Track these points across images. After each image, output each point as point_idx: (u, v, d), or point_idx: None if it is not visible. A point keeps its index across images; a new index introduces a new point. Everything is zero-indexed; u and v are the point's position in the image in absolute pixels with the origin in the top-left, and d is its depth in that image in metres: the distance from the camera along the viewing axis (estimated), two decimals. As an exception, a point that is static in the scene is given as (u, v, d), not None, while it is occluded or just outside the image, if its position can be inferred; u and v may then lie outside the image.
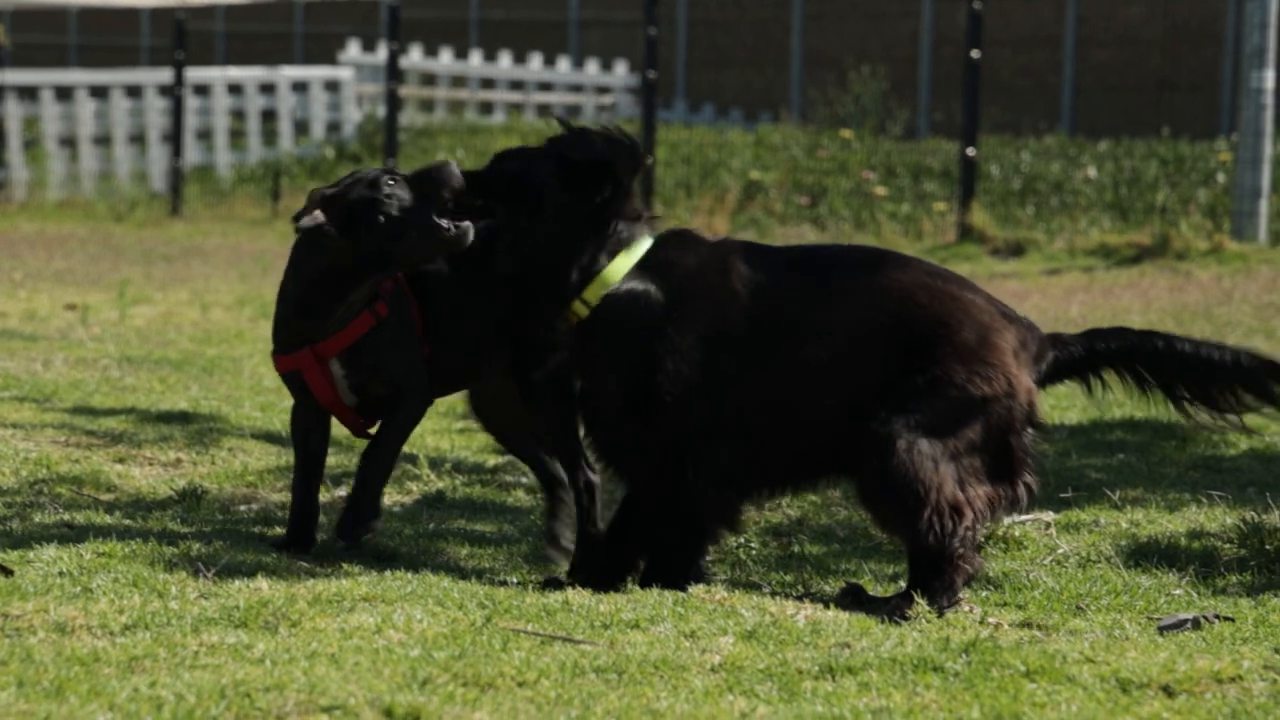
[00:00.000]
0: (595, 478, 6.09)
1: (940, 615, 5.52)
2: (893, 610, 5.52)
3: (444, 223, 5.75)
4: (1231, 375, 5.92)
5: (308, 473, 6.00)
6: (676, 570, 5.68)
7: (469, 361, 6.11)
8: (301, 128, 27.56)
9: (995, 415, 5.66)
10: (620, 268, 5.69)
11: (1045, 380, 5.87)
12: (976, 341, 5.68)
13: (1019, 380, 5.73)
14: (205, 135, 26.92)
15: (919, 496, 5.55)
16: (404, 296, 5.97)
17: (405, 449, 7.86)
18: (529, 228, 5.70)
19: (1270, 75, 17.32)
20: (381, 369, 5.88)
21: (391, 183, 5.81)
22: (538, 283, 5.73)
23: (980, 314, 5.75)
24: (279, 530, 6.28)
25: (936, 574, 5.58)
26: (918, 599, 5.52)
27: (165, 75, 26.55)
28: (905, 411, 5.60)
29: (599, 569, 5.83)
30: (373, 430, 6.06)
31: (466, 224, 5.74)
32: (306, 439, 6.01)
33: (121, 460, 7.49)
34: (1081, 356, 5.88)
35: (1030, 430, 5.77)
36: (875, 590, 5.94)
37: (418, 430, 7.92)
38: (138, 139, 26.80)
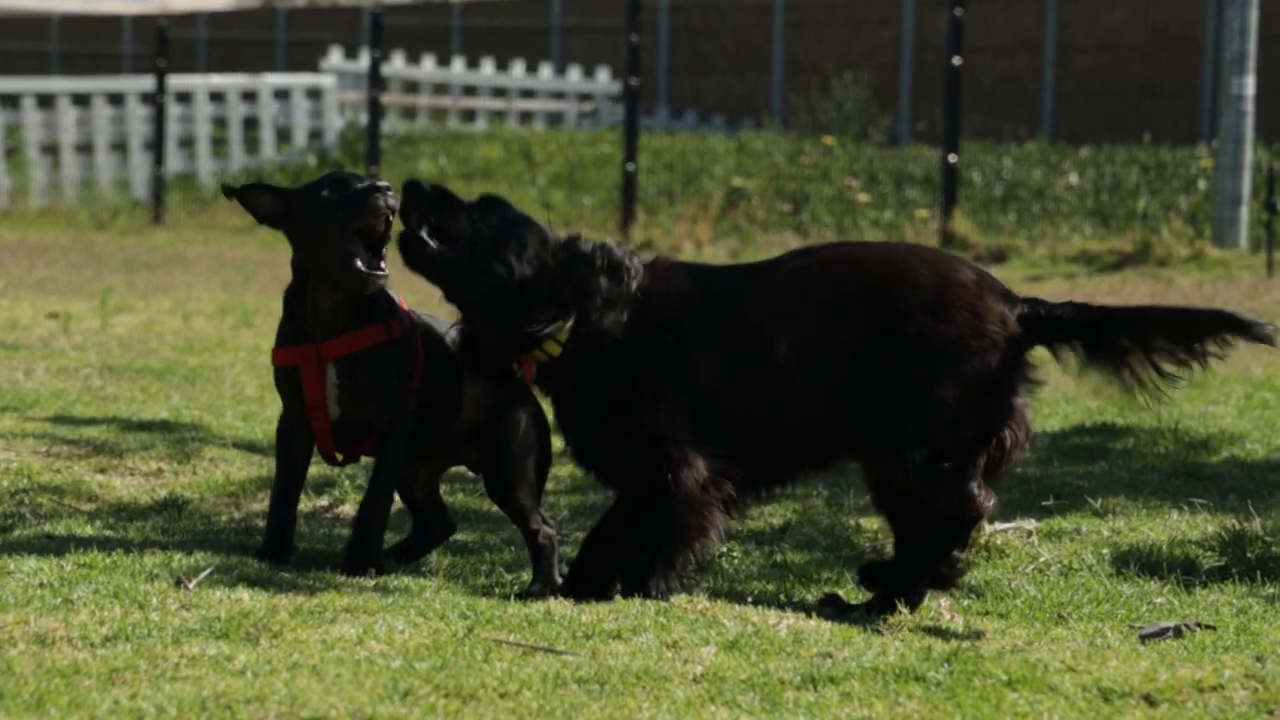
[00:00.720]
0: (552, 530, 6.11)
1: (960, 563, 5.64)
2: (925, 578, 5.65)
3: (358, 262, 5.73)
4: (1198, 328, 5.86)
5: (288, 485, 5.97)
6: (656, 575, 5.67)
7: (448, 424, 6.08)
8: (284, 135, 27.55)
9: (969, 353, 5.61)
10: None
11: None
12: (934, 282, 5.65)
13: (987, 307, 5.64)
14: (187, 143, 26.90)
15: (908, 455, 5.58)
16: (415, 334, 5.96)
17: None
18: (501, 288, 5.68)
19: (1251, 81, 17.37)
20: (371, 386, 5.85)
21: (325, 194, 5.80)
22: (501, 334, 5.72)
23: (931, 256, 5.74)
24: (261, 540, 6.26)
25: (948, 523, 5.62)
26: (957, 558, 5.63)
27: (147, 83, 26.54)
28: (878, 378, 5.60)
29: (578, 577, 5.82)
30: (340, 456, 6.03)
31: (384, 271, 5.74)
32: (291, 450, 5.96)
33: (103, 470, 7.47)
34: (1045, 318, 5.72)
35: (1017, 362, 5.67)
36: (856, 599, 5.94)
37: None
38: (120, 147, 26.78)
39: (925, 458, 5.58)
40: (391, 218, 5.78)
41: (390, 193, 5.77)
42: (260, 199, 5.89)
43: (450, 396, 5.98)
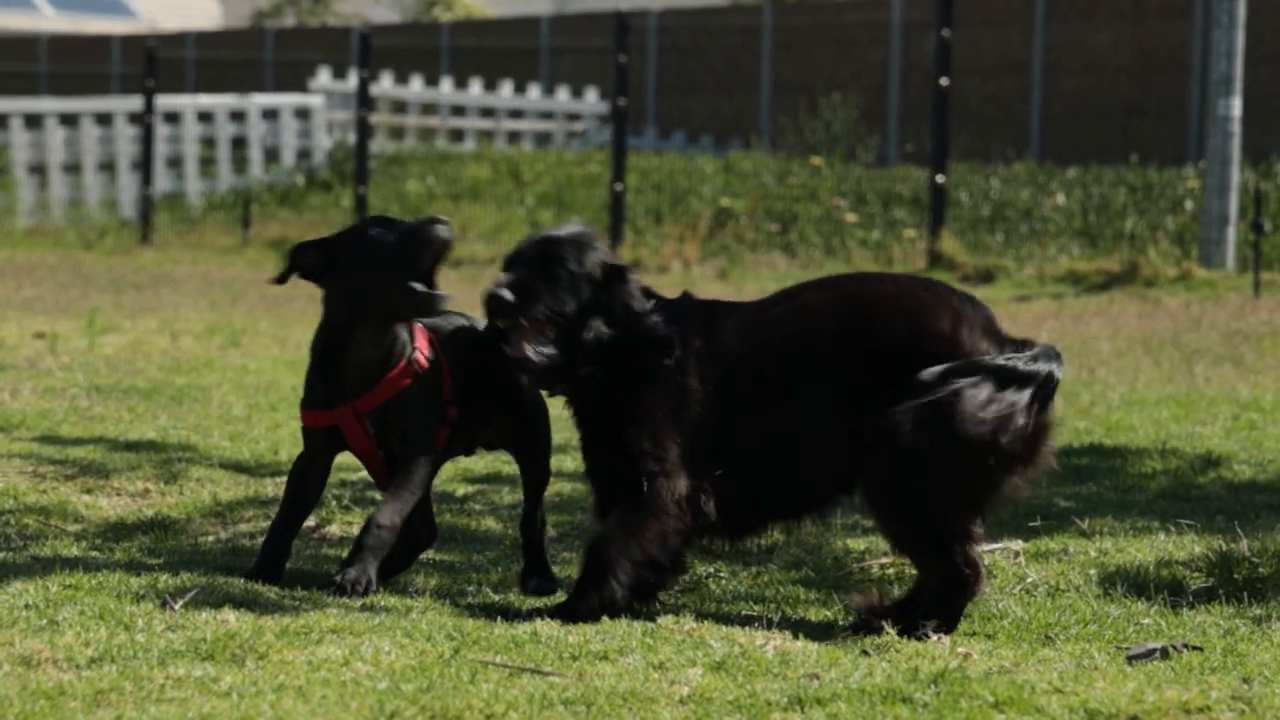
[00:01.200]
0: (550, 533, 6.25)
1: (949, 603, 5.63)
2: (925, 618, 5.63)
3: (417, 285, 5.75)
4: None
5: (291, 518, 5.96)
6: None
7: (489, 422, 6.16)
8: (272, 155, 27.56)
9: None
10: None
11: None
12: (909, 332, 5.61)
13: (966, 356, 5.58)
14: (175, 163, 26.90)
15: (897, 527, 5.63)
16: (438, 359, 5.97)
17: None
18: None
19: (1237, 103, 17.41)
20: (401, 428, 5.86)
21: (376, 233, 5.81)
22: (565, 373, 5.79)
23: (909, 300, 5.70)
24: (247, 561, 6.25)
25: (934, 594, 5.66)
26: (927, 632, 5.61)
27: (135, 103, 26.54)
28: (860, 439, 5.61)
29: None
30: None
31: (443, 293, 5.76)
32: (303, 486, 5.97)
33: (89, 491, 7.46)
34: None
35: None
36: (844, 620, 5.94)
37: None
38: (107, 166, 26.78)
39: (913, 529, 5.62)
40: (447, 251, 5.80)
41: (446, 225, 5.79)
42: (308, 256, 5.88)
43: (481, 382, 6.04)
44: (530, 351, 5.66)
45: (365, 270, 5.79)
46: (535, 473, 6.29)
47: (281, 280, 5.95)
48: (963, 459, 5.55)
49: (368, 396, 5.85)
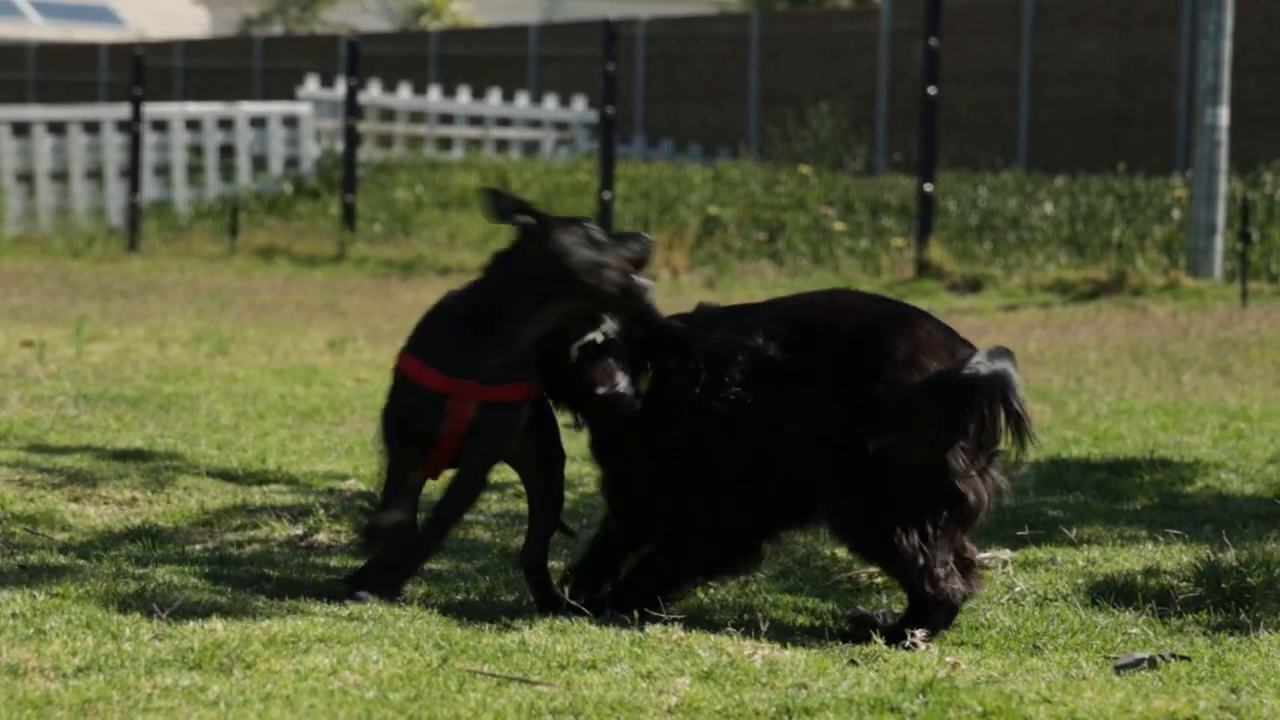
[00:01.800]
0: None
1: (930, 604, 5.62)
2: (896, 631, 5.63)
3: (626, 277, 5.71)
4: None
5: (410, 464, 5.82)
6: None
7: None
8: (260, 163, 27.52)
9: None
10: None
11: None
12: (907, 358, 5.66)
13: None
14: (163, 171, 26.87)
15: (875, 542, 5.64)
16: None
17: (362, 486, 7.86)
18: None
19: (1224, 112, 17.44)
20: (486, 437, 5.78)
21: (591, 226, 5.75)
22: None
23: (909, 336, 5.72)
24: (235, 569, 6.23)
25: (914, 605, 5.65)
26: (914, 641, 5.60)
27: (123, 111, 26.51)
28: (843, 457, 5.63)
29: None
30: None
31: (651, 282, 5.73)
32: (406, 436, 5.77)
33: (76, 499, 7.45)
34: None
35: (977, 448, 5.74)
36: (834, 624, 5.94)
37: (376, 467, 7.89)
38: (95, 174, 26.75)
39: (890, 543, 5.64)
40: (648, 263, 5.81)
41: (652, 241, 5.85)
42: (524, 205, 5.73)
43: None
44: (625, 386, 5.75)
45: (579, 249, 5.67)
46: (551, 497, 6.12)
47: (506, 216, 5.70)
48: (928, 473, 5.60)
49: (499, 388, 5.70)
